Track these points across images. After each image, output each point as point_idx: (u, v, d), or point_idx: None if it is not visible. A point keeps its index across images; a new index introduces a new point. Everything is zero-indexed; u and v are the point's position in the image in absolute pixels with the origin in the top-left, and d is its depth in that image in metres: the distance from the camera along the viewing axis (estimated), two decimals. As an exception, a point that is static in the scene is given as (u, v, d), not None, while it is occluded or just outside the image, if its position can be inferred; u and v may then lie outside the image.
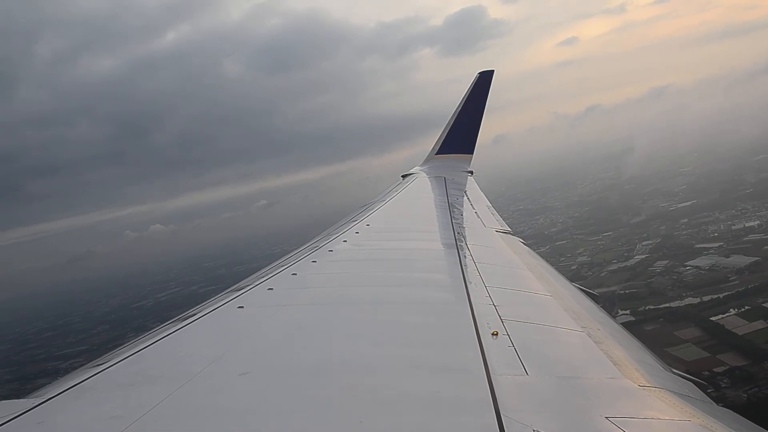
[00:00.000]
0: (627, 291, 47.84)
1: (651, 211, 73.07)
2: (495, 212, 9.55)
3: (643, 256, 55.92)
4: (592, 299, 5.42)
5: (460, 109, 14.88)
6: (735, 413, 3.08)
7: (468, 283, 4.39)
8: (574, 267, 57.34)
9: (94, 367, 2.84)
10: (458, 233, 6.71)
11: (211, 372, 2.68)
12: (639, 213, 73.63)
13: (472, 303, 3.80)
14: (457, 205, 9.22)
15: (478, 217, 8.74)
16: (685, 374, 3.73)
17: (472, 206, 9.58)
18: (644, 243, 60.00)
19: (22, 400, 2.45)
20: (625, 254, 58.16)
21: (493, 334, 3.24)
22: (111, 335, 62.77)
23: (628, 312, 43.08)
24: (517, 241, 7.57)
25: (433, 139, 15.57)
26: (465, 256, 5.49)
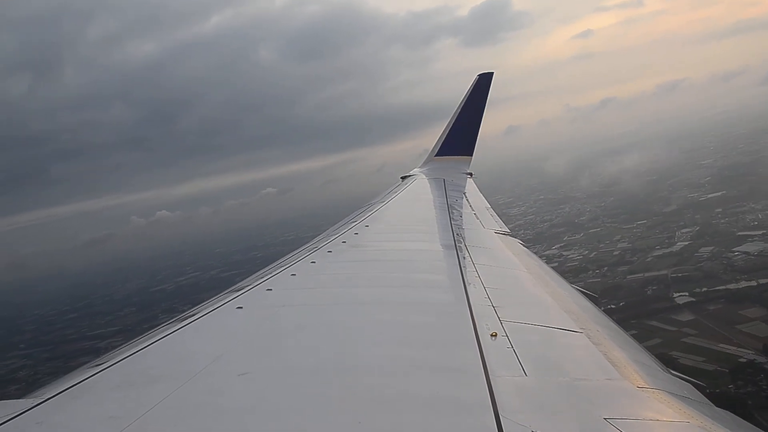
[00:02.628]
0: (679, 274, 48.54)
1: (681, 201, 74.01)
2: (494, 213, 9.56)
3: (686, 243, 56.50)
4: (591, 300, 5.42)
5: (459, 110, 14.88)
6: (733, 414, 3.09)
7: (467, 285, 4.40)
8: (616, 252, 58.30)
9: (94, 366, 2.84)
10: (457, 234, 6.72)
11: (210, 372, 2.69)
12: (669, 203, 74.42)
13: (471, 304, 3.80)
14: (456, 207, 9.23)
15: (477, 218, 8.75)
16: (684, 375, 3.74)
17: (471, 208, 9.59)
18: (683, 231, 60.56)
19: (21, 400, 2.45)
20: (666, 241, 58.77)
21: (492, 335, 3.24)
22: (140, 317, 63.55)
23: (686, 293, 43.86)
24: (516, 242, 7.58)
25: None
26: (464, 258, 5.49)
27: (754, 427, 2.95)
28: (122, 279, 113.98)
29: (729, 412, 3.10)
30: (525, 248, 7.39)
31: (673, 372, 3.67)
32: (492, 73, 15.02)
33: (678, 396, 2.90)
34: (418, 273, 5.13)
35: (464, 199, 10.43)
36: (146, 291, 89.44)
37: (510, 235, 7.89)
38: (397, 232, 7.55)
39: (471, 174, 13.79)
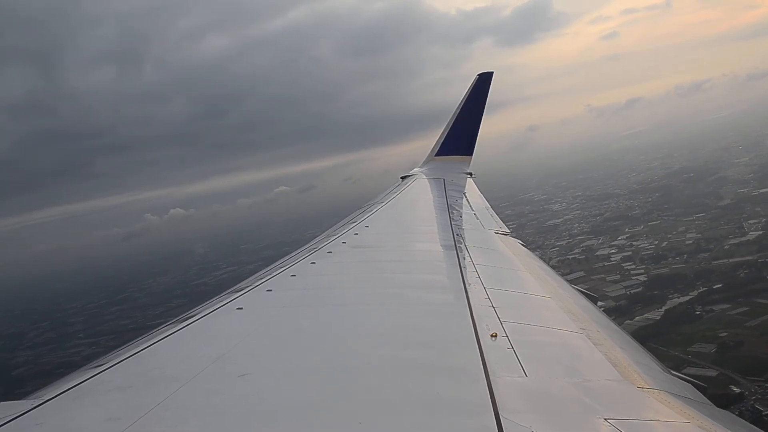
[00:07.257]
0: (767, 260, 49.07)
1: (732, 195, 74.30)
2: (494, 214, 9.57)
3: (759, 232, 56.87)
4: (591, 301, 5.42)
5: (459, 110, 14.87)
6: (733, 415, 3.09)
7: (467, 285, 4.40)
8: (689, 242, 59.15)
9: (94, 368, 2.84)
10: (457, 235, 6.72)
11: (210, 373, 2.68)
12: (721, 197, 74.70)
13: (471, 305, 3.80)
14: (456, 207, 9.23)
15: (477, 218, 8.75)
16: (684, 375, 3.74)
17: (471, 208, 9.59)
18: (750, 222, 60.80)
19: (21, 401, 2.45)
20: (737, 231, 59.19)
21: (492, 335, 3.24)
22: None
23: (784, 276, 44.91)
24: (516, 243, 7.58)
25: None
26: (464, 258, 5.49)
27: (754, 427, 2.95)
28: (151, 273, 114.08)
29: (729, 413, 3.11)
30: (525, 249, 7.39)
31: (673, 372, 3.67)
32: (492, 72, 15.02)
33: (679, 396, 2.90)
34: (418, 273, 5.12)
35: (464, 199, 10.43)
36: (187, 284, 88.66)
37: (510, 236, 7.89)
38: (397, 233, 7.55)
39: (471, 174, 13.80)
